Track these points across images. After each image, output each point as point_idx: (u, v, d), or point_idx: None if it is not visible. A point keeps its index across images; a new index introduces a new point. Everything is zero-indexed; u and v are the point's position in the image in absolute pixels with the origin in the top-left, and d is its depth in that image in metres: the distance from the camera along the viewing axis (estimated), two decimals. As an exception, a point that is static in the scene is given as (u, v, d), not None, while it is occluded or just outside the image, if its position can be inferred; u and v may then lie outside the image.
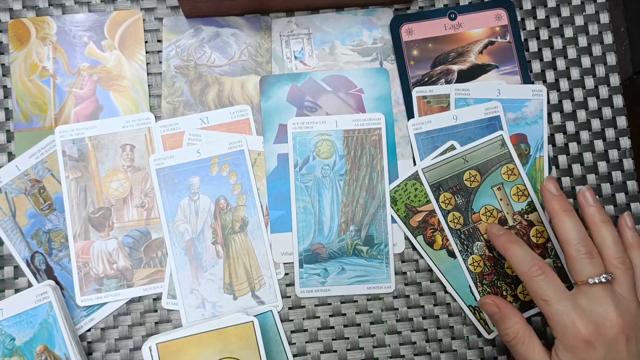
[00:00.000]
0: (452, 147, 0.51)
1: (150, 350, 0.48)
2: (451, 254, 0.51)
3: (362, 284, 0.51)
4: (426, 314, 0.51)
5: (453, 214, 0.51)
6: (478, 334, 0.51)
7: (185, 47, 0.53)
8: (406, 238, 0.52)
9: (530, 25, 0.54)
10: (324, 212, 0.51)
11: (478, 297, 0.50)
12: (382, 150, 0.52)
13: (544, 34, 0.54)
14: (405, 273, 0.52)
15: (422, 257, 0.52)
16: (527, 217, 0.51)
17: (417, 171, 0.51)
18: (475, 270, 0.50)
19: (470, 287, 0.50)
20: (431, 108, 0.53)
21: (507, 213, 0.51)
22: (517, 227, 0.51)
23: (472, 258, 0.51)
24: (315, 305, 0.51)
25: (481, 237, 0.51)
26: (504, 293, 0.50)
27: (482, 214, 0.51)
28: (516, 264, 0.44)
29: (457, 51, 0.53)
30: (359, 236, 0.51)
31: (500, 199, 0.51)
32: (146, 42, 0.53)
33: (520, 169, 0.51)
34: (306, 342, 0.51)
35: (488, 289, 0.50)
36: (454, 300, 0.51)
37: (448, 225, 0.51)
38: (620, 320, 0.40)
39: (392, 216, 0.51)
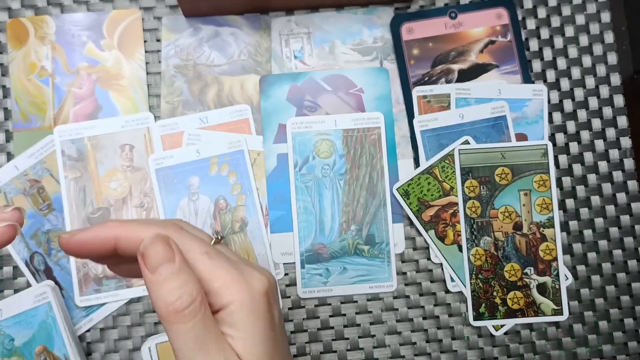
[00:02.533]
0: (467, 142, 0.51)
1: (150, 350, 0.48)
2: (462, 249, 0.51)
3: (364, 283, 0.51)
4: (426, 314, 0.51)
5: (473, 202, 0.51)
6: (479, 334, 0.51)
7: (185, 47, 0.53)
8: (408, 238, 0.52)
9: (531, 24, 0.54)
10: (325, 211, 0.51)
11: (465, 286, 0.50)
12: (382, 149, 0.52)
13: (544, 33, 0.54)
14: (405, 273, 0.51)
15: (428, 256, 0.52)
16: (543, 230, 0.51)
17: (427, 167, 0.51)
18: (475, 262, 0.50)
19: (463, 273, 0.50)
20: (431, 107, 0.52)
21: (525, 220, 0.51)
22: (530, 236, 0.51)
23: (477, 250, 0.50)
24: (315, 306, 0.51)
25: (492, 233, 0.50)
26: (495, 294, 0.50)
27: (501, 212, 0.51)
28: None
29: (457, 50, 0.53)
30: (360, 235, 0.51)
31: (524, 205, 0.51)
32: (145, 41, 0.53)
33: (553, 183, 0.51)
34: (306, 342, 0.51)
35: (480, 284, 0.50)
36: (463, 295, 0.51)
37: (465, 211, 0.51)
38: None
39: (399, 211, 0.51)
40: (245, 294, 0.29)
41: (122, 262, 0.33)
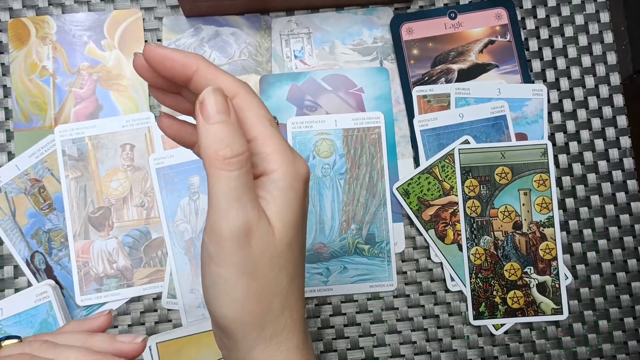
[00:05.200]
0: (467, 142, 0.51)
1: (150, 349, 0.48)
2: (462, 248, 0.51)
3: (364, 283, 0.51)
4: (426, 313, 0.51)
5: (473, 202, 0.51)
6: (479, 334, 0.51)
7: (185, 47, 0.53)
8: (408, 237, 0.52)
9: (530, 24, 0.54)
10: (325, 211, 0.51)
11: (465, 286, 0.50)
12: (382, 149, 0.52)
13: (544, 33, 0.54)
14: (405, 272, 0.52)
15: (429, 255, 0.52)
16: (543, 230, 0.51)
17: (427, 166, 0.51)
18: (475, 261, 0.50)
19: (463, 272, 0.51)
20: (431, 107, 0.52)
21: (525, 219, 0.51)
22: (530, 236, 0.51)
23: (477, 249, 0.51)
24: (316, 305, 0.51)
25: (492, 232, 0.51)
26: (494, 293, 0.50)
27: (501, 212, 0.51)
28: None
29: (457, 50, 0.53)
30: (360, 235, 0.51)
31: (523, 204, 0.51)
32: (146, 41, 0.53)
33: (552, 182, 0.51)
34: (306, 342, 0.51)
35: (480, 283, 0.50)
36: (463, 295, 0.51)
37: (465, 210, 0.51)
38: None
39: (399, 210, 0.51)
40: (291, 168, 0.30)
41: (179, 99, 0.35)
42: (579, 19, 0.54)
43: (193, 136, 0.36)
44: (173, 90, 0.34)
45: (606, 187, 0.53)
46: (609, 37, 0.54)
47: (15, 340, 0.34)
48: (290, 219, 0.30)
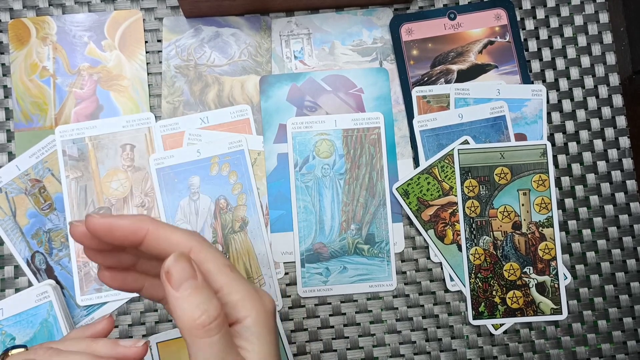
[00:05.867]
0: (466, 142, 0.51)
1: (150, 349, 0.48)
2: (461, 248, 0.51)
3: (363, 282, 0.51)
4: (426, 313, 0.51)
5: (472, 202, 0.51)
6: (478, 334, 0.51)
7: (185, 47, 0.53)
8: (407, 237, 0.52)
9: (529, 25, 0.54)
10: (325, 211, 0.51)
11: (464, 286, 0.50)
12: (382, 149, 0.52)
13: (543, 34, 0.54)
14: (405, 272, 0.52)
15: (428, 255, 0.52)
16: (542, 230, 0.51)
17: (426, 166, 0.51)
18: (474, 261, 0.51)
19: (463, 273, 0.51)
20: (431, 108, 0.53)
21: (524, 220, 0.51)
22: (529, 236, 0.51)
23: (476, 249, 0.51)
24: (315, 305, 0.51)
25: (491, 233, 0.51)
26: (494, 293, 0.50)
27: (500, 212, 0.51)
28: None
29: (456, 51, 0.53)
30: (360, 235, 0.51)
31: (522, 204, 0.51)
32: (146, 42, 0.53)
33: (552, 182, 0.51)
34: (306, 342, 0.51)
35: (480, 283, 0.50)
36: (462, 295, 0.51)
37: (464, 210, 0.51)
38: None
39: (399, 210, 0.51)
40: (261, 310, 0.31)
41: (123, 264, 0.34)
42: (578, 20, 0.55)
43: (138, 282, 0.36)
44: (115, 250, 0.34)
45: (605, 187, 0.53)
46: (608, 38, 0.54)
47: (22, 350, 0.35)
48: None
